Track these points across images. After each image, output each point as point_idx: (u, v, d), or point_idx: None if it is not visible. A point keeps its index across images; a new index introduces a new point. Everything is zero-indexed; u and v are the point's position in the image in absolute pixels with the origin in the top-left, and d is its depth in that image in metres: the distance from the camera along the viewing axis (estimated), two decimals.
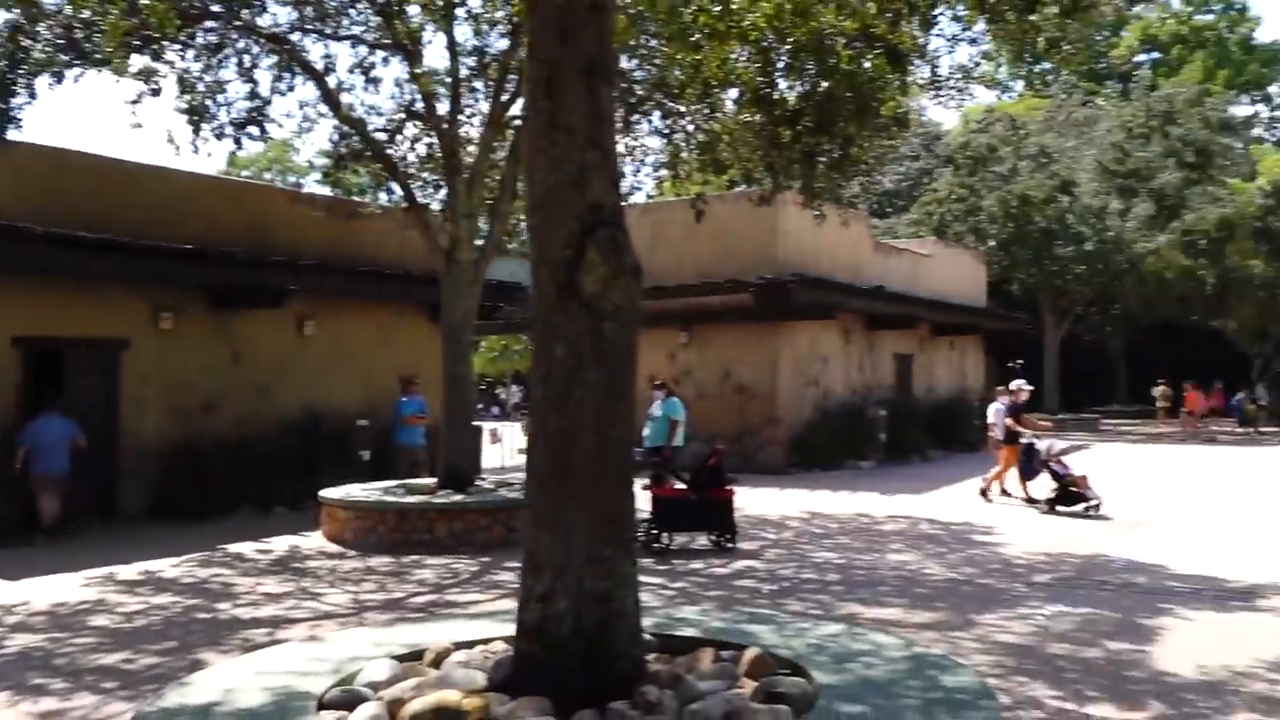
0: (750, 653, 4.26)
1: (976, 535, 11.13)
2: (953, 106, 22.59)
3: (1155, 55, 47.24)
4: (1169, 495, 14.59)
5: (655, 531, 10.17)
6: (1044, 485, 13.35)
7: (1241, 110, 47.60)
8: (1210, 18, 46.31)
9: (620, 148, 11.62)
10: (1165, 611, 7.25)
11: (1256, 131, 48.37)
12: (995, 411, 14.73)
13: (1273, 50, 46.08)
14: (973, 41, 8.38)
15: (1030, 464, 13.67)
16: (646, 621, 4.93)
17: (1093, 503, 12.76)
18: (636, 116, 12.92)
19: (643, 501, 10.59)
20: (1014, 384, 15.04)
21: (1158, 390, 32.61)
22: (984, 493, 14.40)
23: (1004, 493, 14.35)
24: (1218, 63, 44.49)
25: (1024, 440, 13.86)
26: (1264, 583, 8.25)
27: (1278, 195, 32.54)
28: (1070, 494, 12.95)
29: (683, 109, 10.20)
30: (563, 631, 3.89)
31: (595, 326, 3.88)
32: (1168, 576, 8.64)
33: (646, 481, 11.06)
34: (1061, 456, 13.36)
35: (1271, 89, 48.00)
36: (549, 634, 3.91)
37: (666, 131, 12.70)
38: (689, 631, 4.84)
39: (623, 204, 4.45)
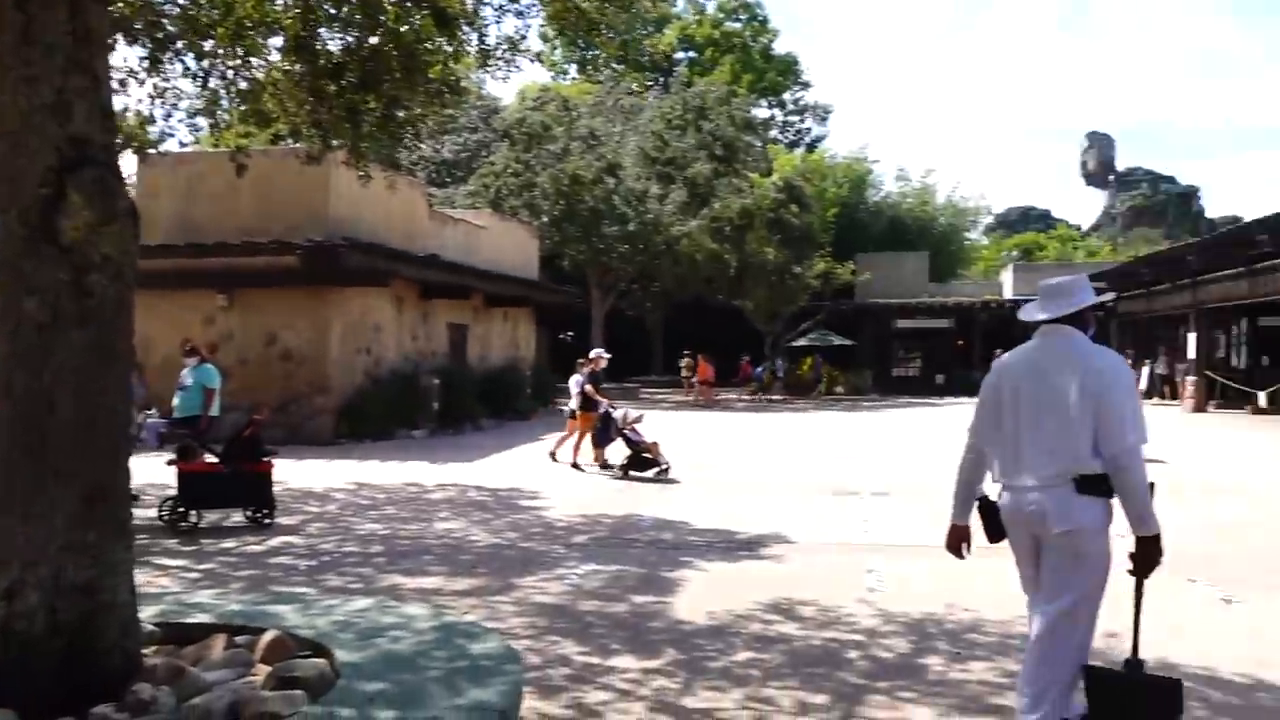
0: (267, 636, 3.95)
1: (523, 501, 11.44)
2: (500, 78, 23.00)
3: (692, 54, 51.63)
4: (701, 456, 15.96)
5: (182, 510, 9.35)
6: (619, 452, 14.06)
7: (762, 112, 53.51)
8: (738, 25, 51.39)
9: (149, 89, 10.42)
10: (685, 564, 7.85)
11: (774, 133, 54.64)
12: (576, 381, 15.17)
13: (787, 61, 52.11)
14: (520, 14, 8.47)
15: (607, 431, 14.30)
16: (156, 609, 4.44)
17: (663, 467, 13.59)
18: (169, 55, 11.67)
19: (171, 476, 9.77)
20: (594, 352, 15.63)
21: (684, 362, 35.79)
22: (555, 456, 14.94)
23: (574, 465, 14.68)
24: (743, 67, 49.51)
25: (602, 409, 14.47)
26: (767, 533, 9.23)
27: (789, 191, 36.86)
28: (643, 460, 13.71)
29: (217, 51, 9.34)
30: (35, 630, 3.35)
31: (77, 278, 3.35)
32: (689, 532, 9.41)
33: (173, 456, 10.16)
34: (635, 425, 14.11)
35: (786, 95, 54.39)
36: (18, 634, 3.35)
37: (202, 75, 11.59)
38: (203, 617, 4.41)
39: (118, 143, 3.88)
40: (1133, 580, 3.66)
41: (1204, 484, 12.39)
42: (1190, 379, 28.57)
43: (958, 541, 4.06)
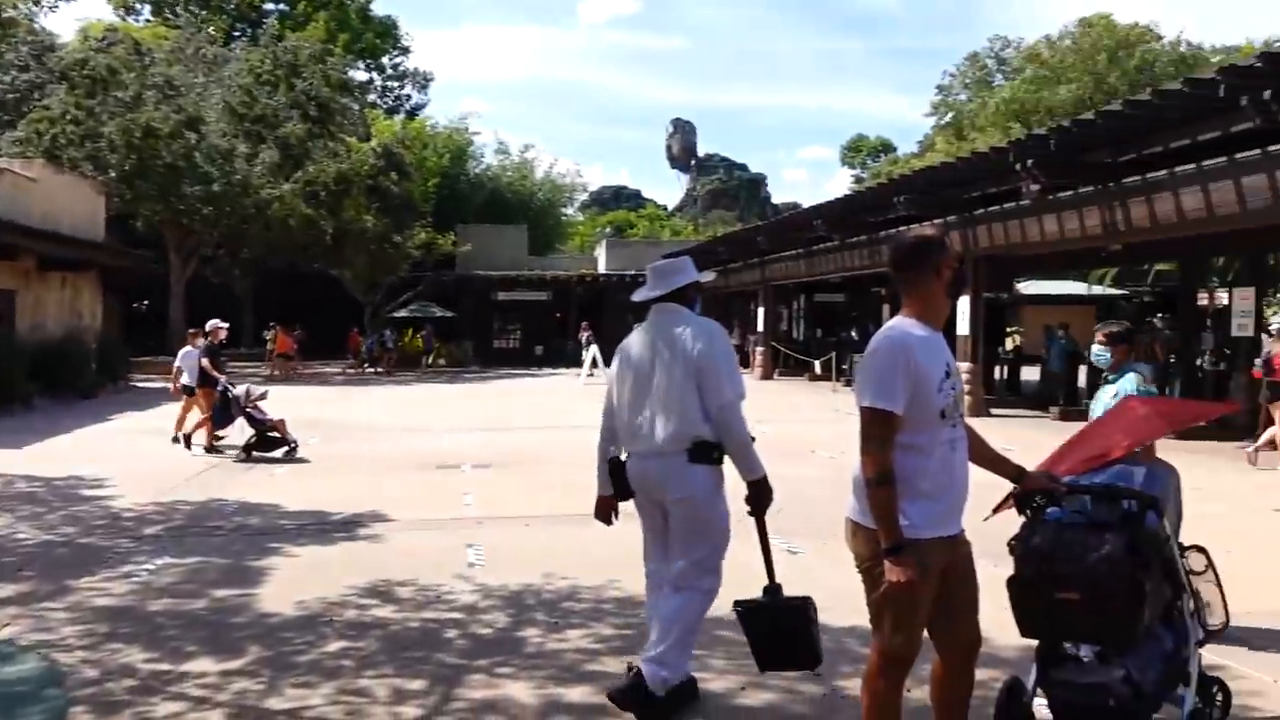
0: None
1: (85, 490, 10.16)
2: (49, 6, 20.23)
3: (283, 7, 48.72)
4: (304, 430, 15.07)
5: None
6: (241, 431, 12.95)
7: (360, 75, 51.71)
8: None
9: None
10: (273, 551, 7.33)
11: (373, 98, 53.03)
12: (186, 355, 13.90)
13: (385, 23, 50.72)
14: None
15: (227, 410, 13.01)
16: None
17: (291, 446, 12.63)
18: None
19: None
20: (210, 324, 14.11)
21: (269, 334, 33.91)
22: (184, 440, 13.40)
23: (180, 439, 13.45)
24: (339, 25, 47.50)
25: (220, 386, 13.13)
26: (364, 513, 8.86)
27: (388, 157, 35.90)
28: (269, 439, 12.65)
29: None
30: None
31: None
32: (280, 515, 8.82)
33: None
34: (259, 402, 12.95)
35: (385, 60, 52.98)
36: None
37: None
38: None
39: None
40: (754, 520, 4.06)
41: (776, 444, 13.62)
42: (759, 349, 31.47)
43: (606, 510, 4.32)
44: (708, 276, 5.28)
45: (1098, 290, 41.32)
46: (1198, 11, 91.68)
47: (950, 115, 53.35)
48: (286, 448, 12.71)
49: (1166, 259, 25.85)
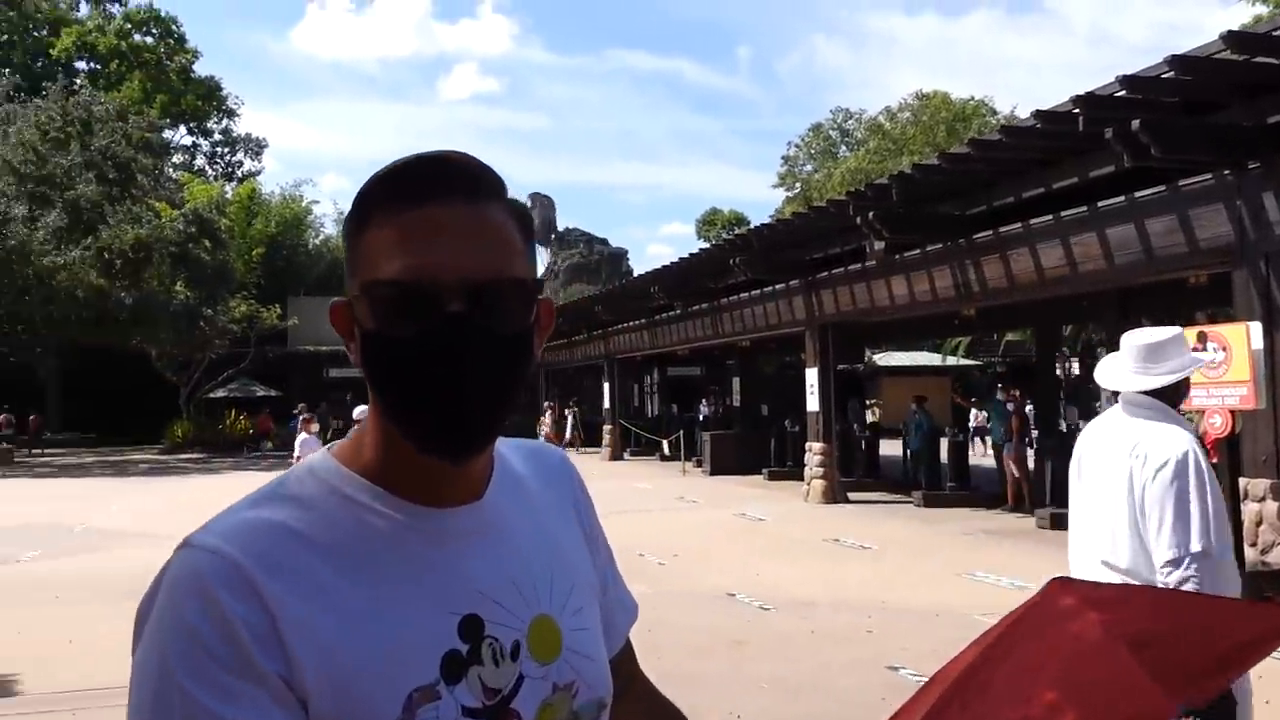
0: None
1: None
2: None
3: (96, 66, 45.18)
4: None
5: None
6: None
7: (184, 138, 48.42)
8: (150, 40, 45.94)
9: None
10: None
11: (200, 162, 49.70)
12: None
13: (207, 85, 47.61)
14: None
15: None
16: None
17: None
18: None
19: None
20: None
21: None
22: None
23: None
24: (155, 86, 44.25)
25: None
26: None
27: (200, 223, 32.81)
28: None
29: None
30: None
31: None
32: None
33: None
34: None
35: (213, 124, 49.77)
36: None
37: None
38: None
39: None
40: None
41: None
42: (607, 427, 29.37)
43: None
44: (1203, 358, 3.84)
45: (952, 361, 41.06)
46: (1028, 89, 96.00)
47: (798, 185, 53.16)
48: None
49: (1022, 326, 24.97)
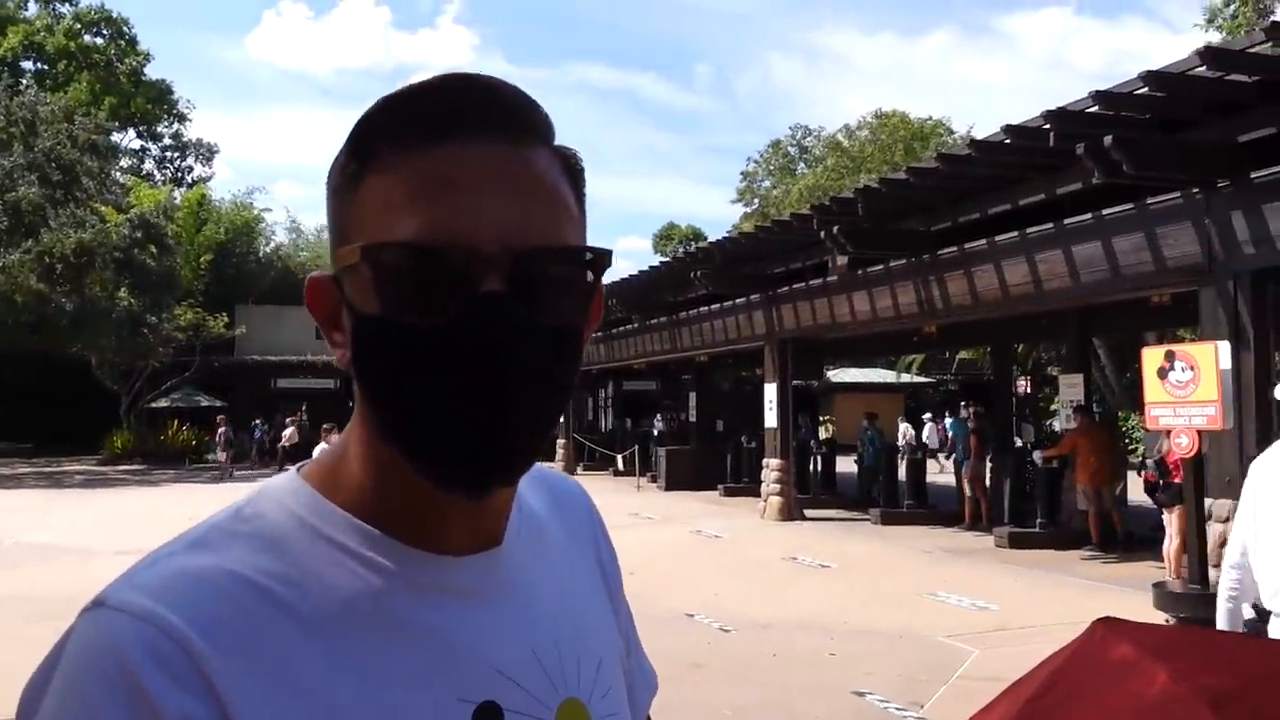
0: None
1: None
2: None
3: (43, 66, 44.13)
4: None
5: None
6: None
7: (133, 142, 47.43)
8: (101, 41, 44.99)
9: None
10: None
11: (149, 166, 48.70)
12: None
13: (158, 88, 46.71)
14: None
15: None
16: None
17: None
18: None
19: None
20: None
21: None
22: None
23: None
24: (105, 88, 43.34)
25: None
26: None
27: (146, 228, 32.02)
28: None
29: None
30: None
31: None
32: None
33: None
34: None
35: (163, 129, 48.80)
36: None
37: None
38: None
39: None
40: None
41: None
42: (560, 441, 29.03)
43: None
44: None
45: (906, 378, 41.24)
46: (983, 111, 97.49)
47: (756, 201, 53.30)
48: None
49: (981, 344, 25.04)
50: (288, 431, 31.16)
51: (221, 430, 30.30)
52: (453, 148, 0.70)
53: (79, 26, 43.97)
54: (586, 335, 0.77)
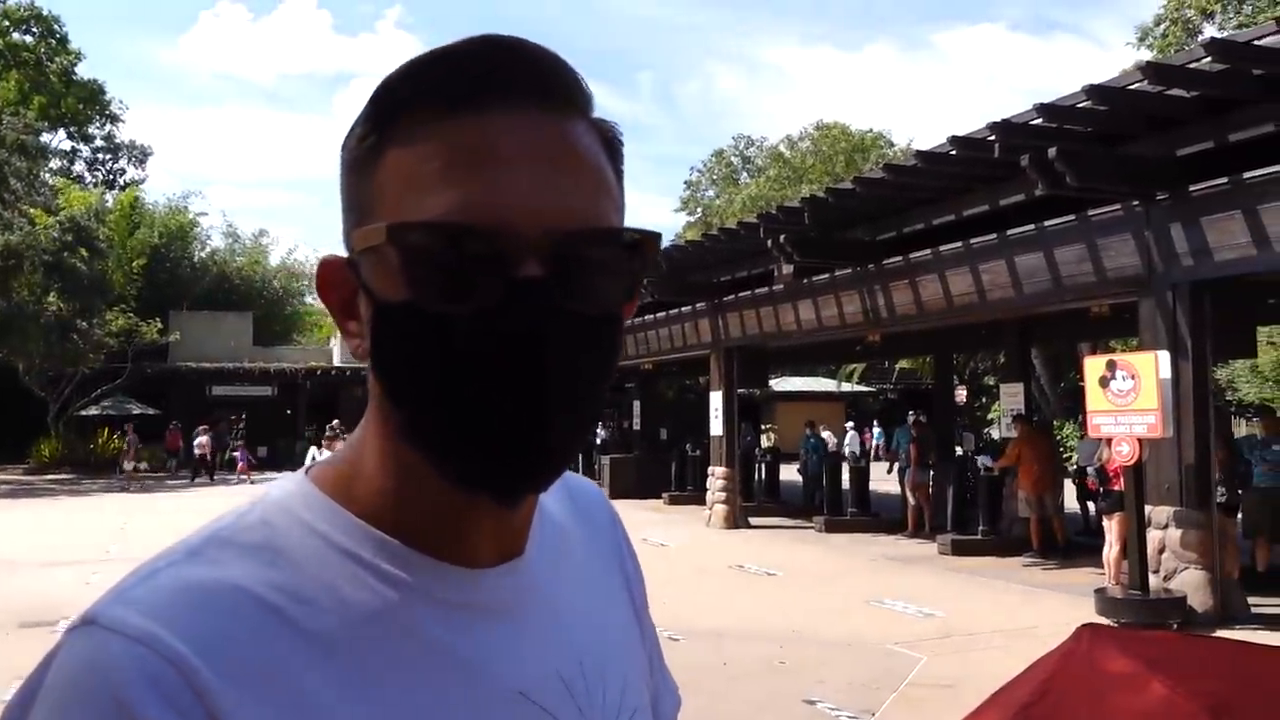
0: None
1: None
2: None
3: None
4: None
5: None
6: None
7: (63, 143, 46.22)
8: (30, 39, 43.78)
9: None
10: None
11: (79, 168, 47.48)
12: None
13: (90, 88, 45.59)
14: None
15: None
16: None
17: None
18: None
19: None
20: None
21: None
22: None
23: None
24: (34, 87, 42.20)
25: None
26: None
27: (76, 231, 31.22)
28: None
29: None
30: None
31: None
32: None
33: None
34: None
35: (95, 130, 47.62)
36: None
37: None
38: None
39: None
40: None
41: None
42: None
43: None
44: None
45: (847, 387, 41.64)
46: (923, 122, 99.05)
47: (700, 211, 53.54)
48: None
49: (923, 353, 25.35)
50: (201, 439, 30.66)
51: (130, 439, 29.65)
52: (485, 117, 0.64)
53: (7, 24, 42.72)
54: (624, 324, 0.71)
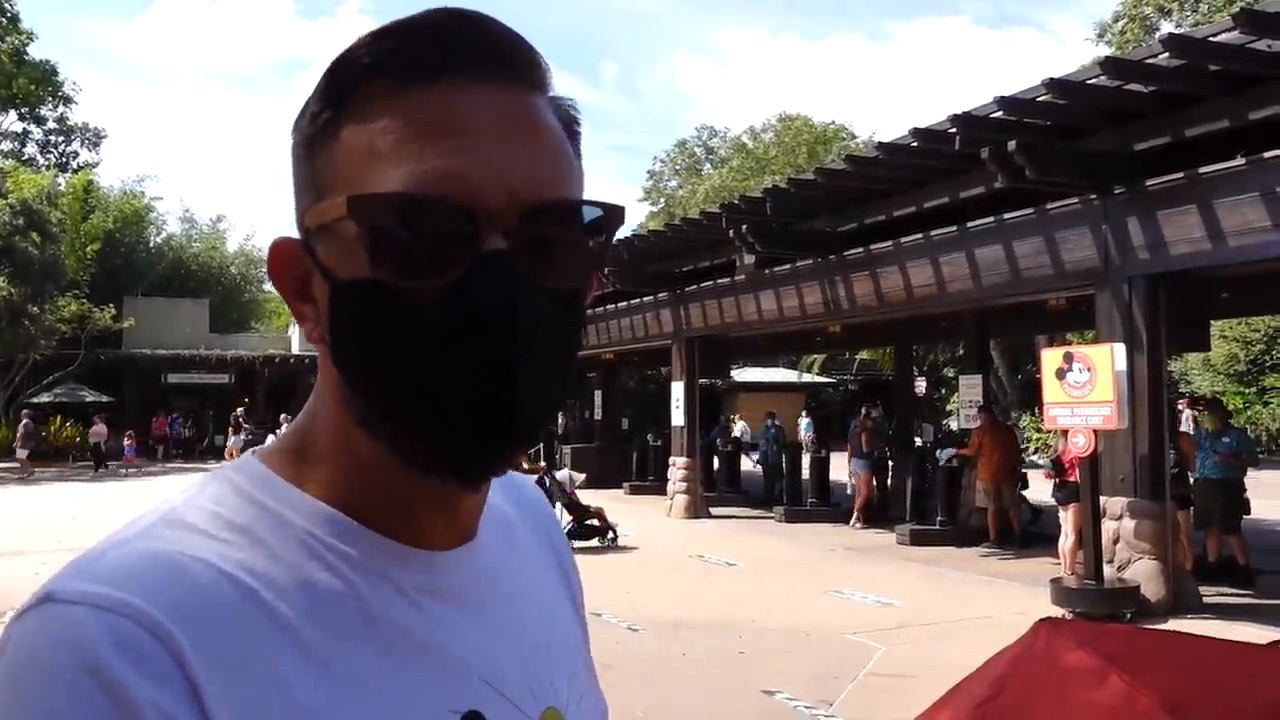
0: None
1: None
2: None
3: None
4: None
5: None
6: None
7: (14, 125, 45.27)
8: None
9: None
10: None
11: (31, 150, 46.52)
12: None
13: (41, 69, 44.67)
14: None
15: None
16: None
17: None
18: None
19: None
20: None
21: None
22: None
23: None
24: None
25: None
26: None
27: (27, 215, 30.62)
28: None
29: None
30: None
31: None
32: None
33: None
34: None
35: (47, 111, 46.69)
36: None
37: None
38: None
39: None
40: None
41: None
42: None
43: None
44: None
45: (808, 378, 41.85)
46: (884, 113, 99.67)
47: (663, 201, 53.51)
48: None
49: (884, 344, 25.52)
50: (96, 428, 30.22)
51: (23, 424, 28.85)
52: (447, 88, 0.61)
53: None
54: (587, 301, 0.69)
